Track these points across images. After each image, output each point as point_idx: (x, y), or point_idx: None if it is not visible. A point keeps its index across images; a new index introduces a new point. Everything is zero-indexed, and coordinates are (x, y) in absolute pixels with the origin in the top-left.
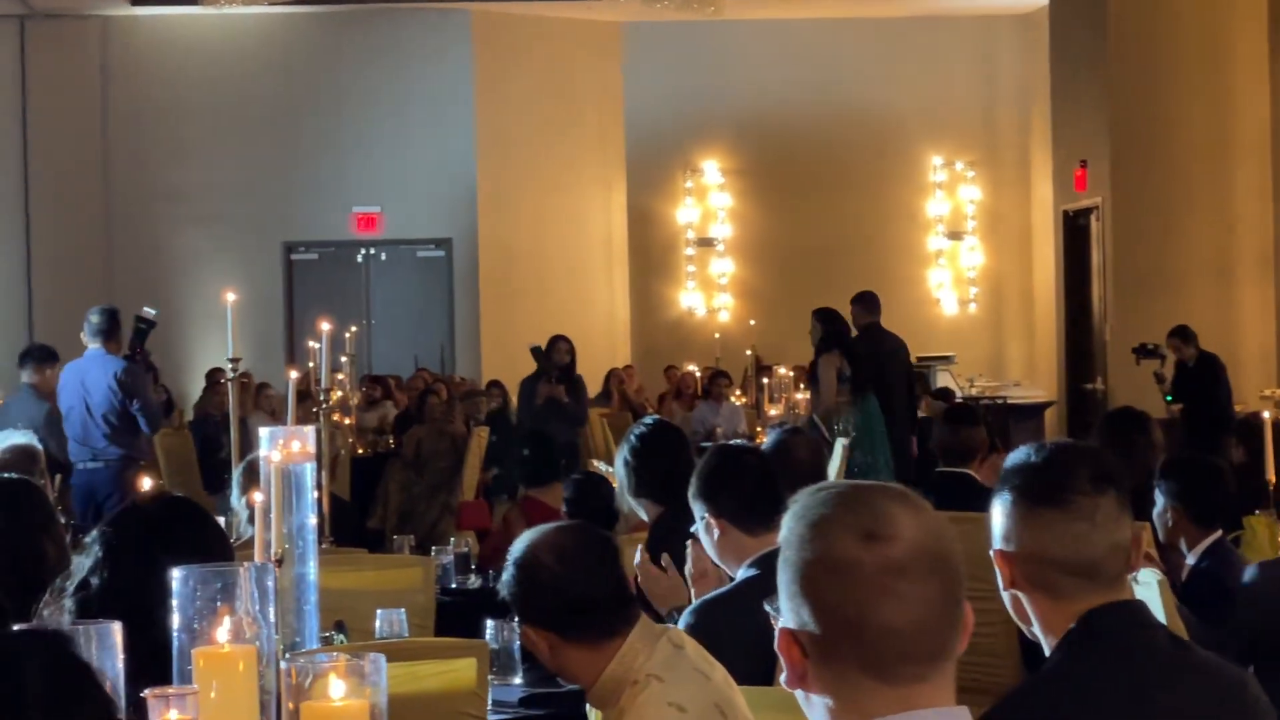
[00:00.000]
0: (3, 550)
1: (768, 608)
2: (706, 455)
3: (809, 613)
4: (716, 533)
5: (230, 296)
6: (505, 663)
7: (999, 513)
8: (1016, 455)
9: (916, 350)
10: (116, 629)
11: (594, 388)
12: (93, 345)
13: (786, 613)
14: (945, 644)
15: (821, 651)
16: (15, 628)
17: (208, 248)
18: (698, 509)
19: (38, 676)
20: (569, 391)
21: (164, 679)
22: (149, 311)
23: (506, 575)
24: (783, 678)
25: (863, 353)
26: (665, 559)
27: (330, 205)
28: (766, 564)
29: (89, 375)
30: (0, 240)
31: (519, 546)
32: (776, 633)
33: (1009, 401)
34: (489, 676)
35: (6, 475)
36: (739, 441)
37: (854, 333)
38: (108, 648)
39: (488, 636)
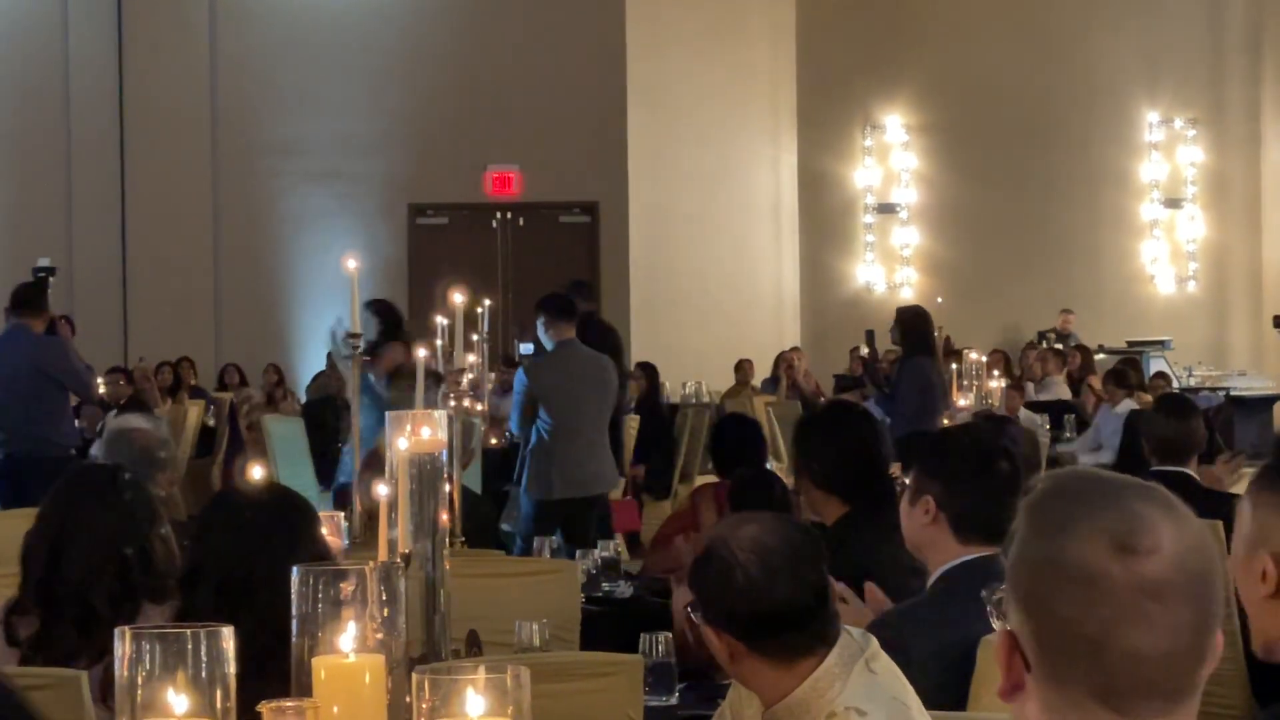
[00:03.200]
0: (103, 551)
1: (986, 598)
2: (962, 430)
3: (1040, 623)
4: (927, 519)
5: (352, 264)
6: (660, 680)
7: (1268, 510)
8: None
9: (1127, 333)
10: (227, 633)
11: (761, 370)
12: (11, 320)
13: (1014, 616)
14: (1194, 678)
15: (1049, 669)
16: None
17: (324, 209)
18: (914, 477)
19: None
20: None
21: (270, 681)
22: (43, 261)
23: (698, 564)
24: (996, 687)
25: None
26: (871, 589)
27: (462, 163)
28: (966, 574)
29: (3, 353)
30: (93, 199)
31: (716, 535)
32: (999, 633)
33: (1233, 393)
34: (643, 695)
35: (110, 465)
36: (1002, 437)
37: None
38: (217, 654)
39: (641, 651)
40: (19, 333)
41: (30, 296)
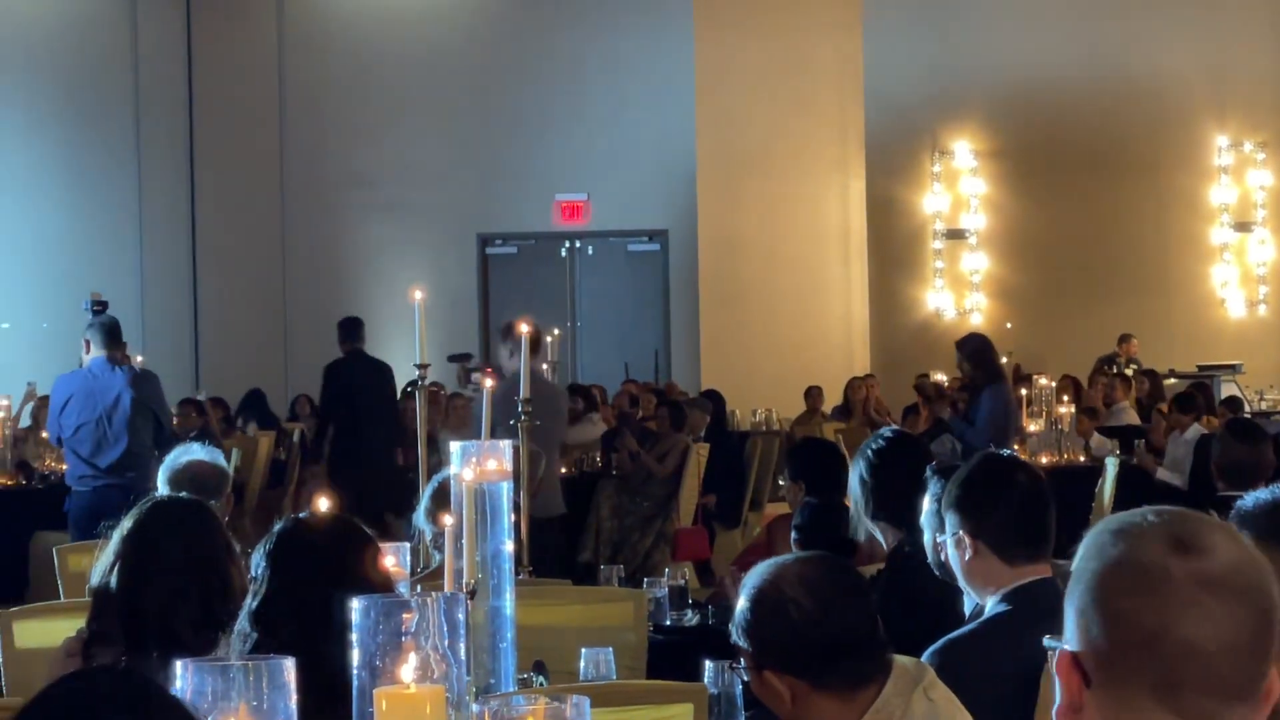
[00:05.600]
0: (187, 578)
1: (1049, 643)
2: (972, 461)
3: (1100, 626)
4: (969, 554)
5: (418, 295)
6: (726, 709)
7: None
8: None
9: (1197, 357)
10: (289, 665)
11: (831, 398)
12: (98, 353)
13: (1073, 633)
14: (1252, 683)
15: (1108, 672)
16: (94, 666)
17: (394, 240)
18: (950, 521)
19: None
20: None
21: (333, 713)
22: (96, 294)
23: (743, 613)
24: (1054, 710)
25: (336, 381)
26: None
27: (531, 193)
28: (1021, 598)
29: (100, 387)
30: (163, 229)
31: (756, 579)
32: (1053, 663)
33: None
34: None
35: (187, 496)
36: (1010, 453)
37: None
38: (279, 685)
39: (706, 679)
40: (112, 365)
41: (118, 330)
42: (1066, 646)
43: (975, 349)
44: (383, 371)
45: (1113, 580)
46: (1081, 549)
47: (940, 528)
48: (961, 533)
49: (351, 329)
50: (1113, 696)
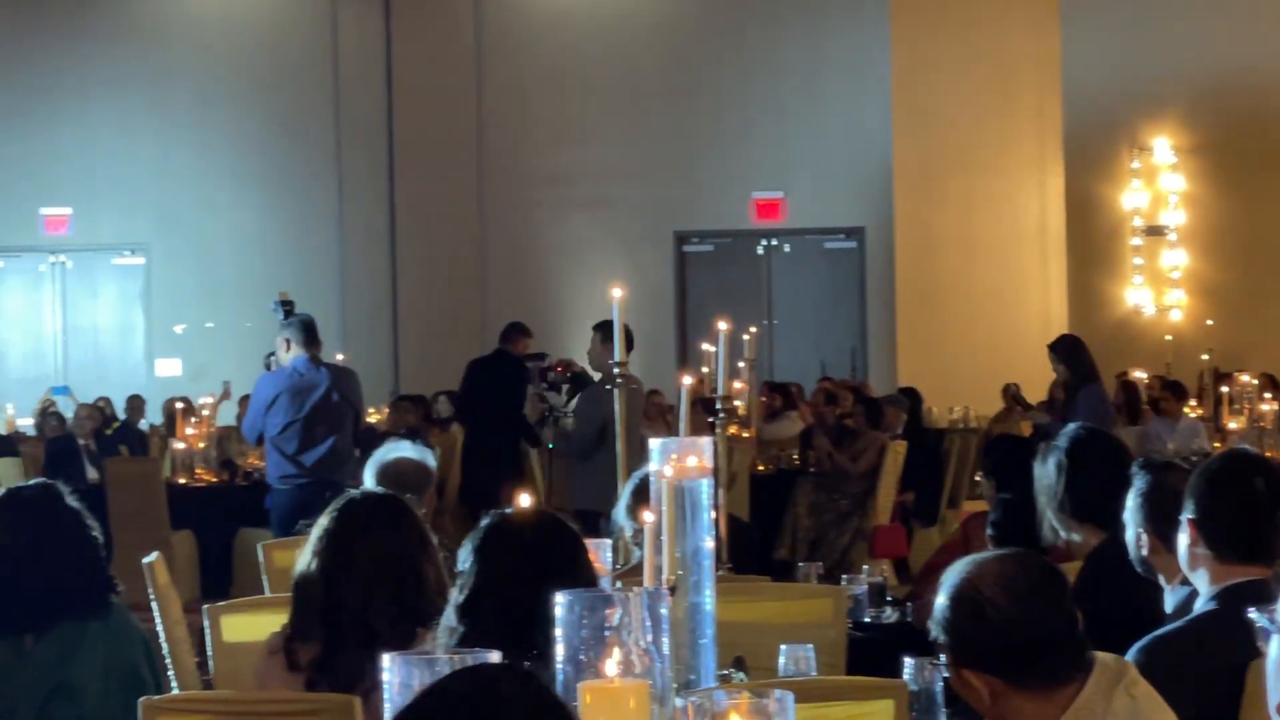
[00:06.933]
0: (381, 573)
1: (1259, 620)
2: (1219, 455)
3: None
4: (1189, 541)
5: (617, 292)
6: (926, 705)
7: None
8: None
9: None
10: (495, 658)
11: (1030, 395)
12: (299, 351)
13: None
14: None
15: None
16: (491, 662)
17: (591, 237)
18: (1186, 507)
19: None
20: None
21: None
22: (283, 295)
23: (942, 612)
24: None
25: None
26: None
27: (727, 190)
28: (1229, 598)
29: (306, 385)
30: (363, 226)
31: (955, 578)
32: (1267, 645)
33: None
34: None
35: (383, 492)
36: (1255, 453)
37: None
38: None
39: (906, 676)
40: (315, 364)
41: (316, 328)
42: None
43: (1068, 350)
44: (520, 371)
45: None
46: None
47: (1143, 523)
48: (1187, 519)
49: (505, 331)
50: None
